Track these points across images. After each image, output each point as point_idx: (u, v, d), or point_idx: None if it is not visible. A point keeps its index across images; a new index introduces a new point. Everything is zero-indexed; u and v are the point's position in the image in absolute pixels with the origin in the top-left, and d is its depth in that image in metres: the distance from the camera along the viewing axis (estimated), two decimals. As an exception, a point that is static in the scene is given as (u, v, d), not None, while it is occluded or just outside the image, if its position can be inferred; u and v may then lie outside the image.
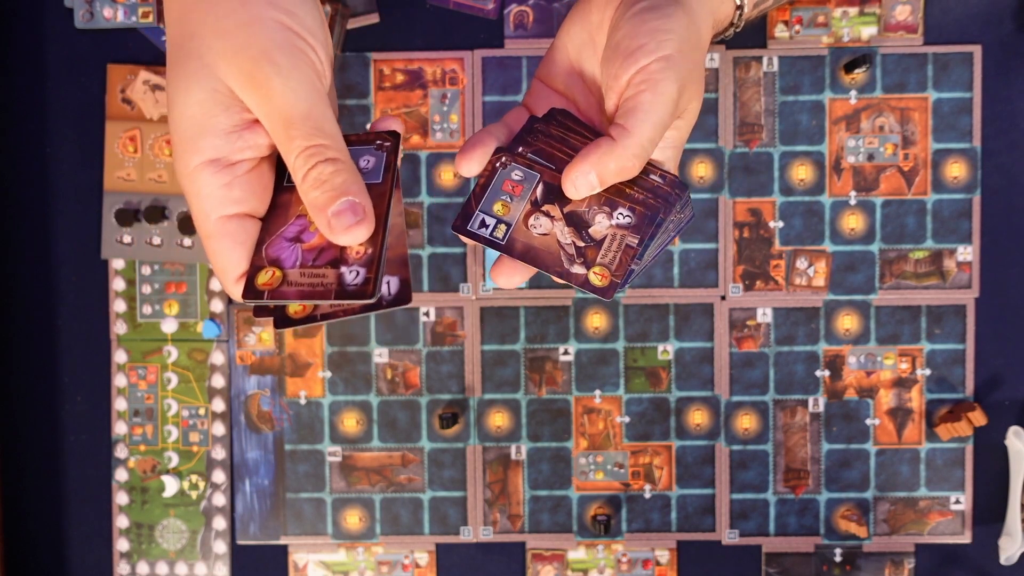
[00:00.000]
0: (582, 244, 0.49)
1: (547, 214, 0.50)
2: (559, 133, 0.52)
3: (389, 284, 0.45)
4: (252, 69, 0.43)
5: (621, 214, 0.50)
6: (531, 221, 0.50)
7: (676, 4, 0.51)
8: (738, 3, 0.56)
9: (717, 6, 0.55)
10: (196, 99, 0.44)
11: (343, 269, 0.43)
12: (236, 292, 0.46)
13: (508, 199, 0.50)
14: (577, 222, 0.50)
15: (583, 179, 0.49)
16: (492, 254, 0.75)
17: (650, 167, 0.52)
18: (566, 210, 0.50)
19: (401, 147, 0.48)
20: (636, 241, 0.49)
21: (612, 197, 0.50)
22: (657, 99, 0.49)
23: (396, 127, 0.49)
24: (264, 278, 0.44)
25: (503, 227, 0.50)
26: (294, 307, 0.45)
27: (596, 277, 0.49)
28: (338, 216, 0.43)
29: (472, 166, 0.51)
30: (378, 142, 0.46)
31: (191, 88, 0.44)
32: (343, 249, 0.44)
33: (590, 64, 0.54)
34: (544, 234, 0.49)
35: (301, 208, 0.45)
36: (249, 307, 0.76)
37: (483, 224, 0.50)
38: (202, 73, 0.43)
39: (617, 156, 0.49)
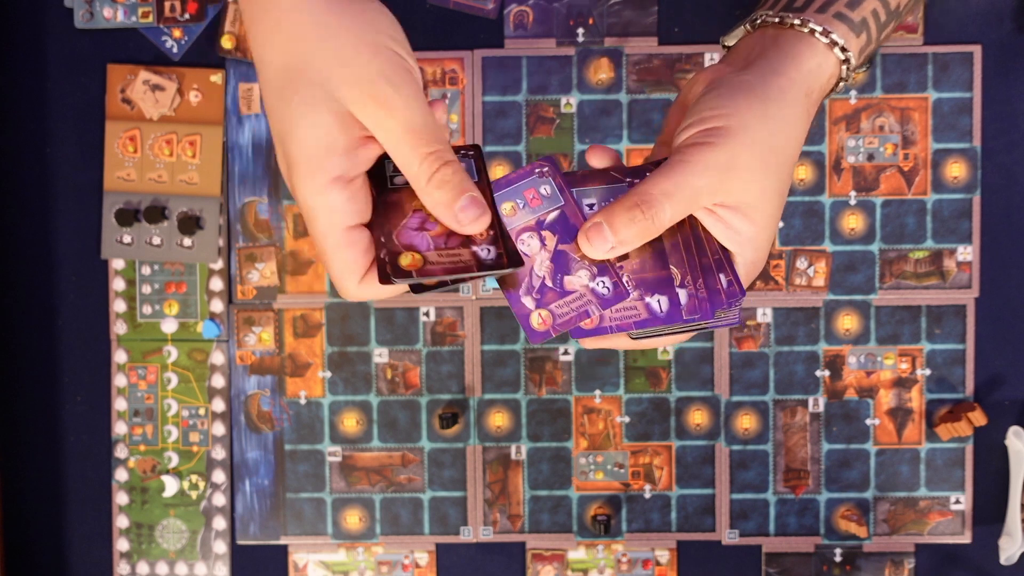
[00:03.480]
0: (549, 285, 0.50)
1: (542, 240, 0.51)
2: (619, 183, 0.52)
3: (490, 251, 0.50)
4: (375, 91, 0.48)
5: (603, 283, 0.50)
6: (524, 236, 0.51)
7: (757, 81, 0.50)
8: (843, 57, 0.52)
9: (810, 73, 0.52)
10: (320, 122, 0.48)
11: (475, 248, 0.49)
12: (358, 292, 0.50)
13: (520, 204, 0.51)
14: (560, 263, 0.50)
15: (596, 231, 0.49)
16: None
17: (725, 264, 0.50)
18: (558, 247, 0.50)
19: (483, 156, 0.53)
20: (597, 311, 0.49)
21: (605, 264, 0.50)
22: (685, 160, 0.49)
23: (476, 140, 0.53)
24: (407, 260, 0.49)
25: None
26: (405, 258, 0.50)
27: (537, 319, 0.50)
28: (464, 210, 0.48)
29: (602, 159, 0.54)
30: (462, 151, 0.52)
31: (313, 113, 0.48)
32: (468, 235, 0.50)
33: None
34: (524, 253, 0.50)
35: (415, 204, 0.50)
36: (247, 308, 0.76)
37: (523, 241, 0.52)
38: (322, 98, 0.48)
39: (623, 203, 0.49)
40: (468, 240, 0.50)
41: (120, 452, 0.77)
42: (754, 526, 0.76)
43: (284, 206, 0.76)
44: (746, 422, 0.76)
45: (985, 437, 0.75)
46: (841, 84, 0.55)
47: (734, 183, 0.49)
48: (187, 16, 0.75)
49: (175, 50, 0.75)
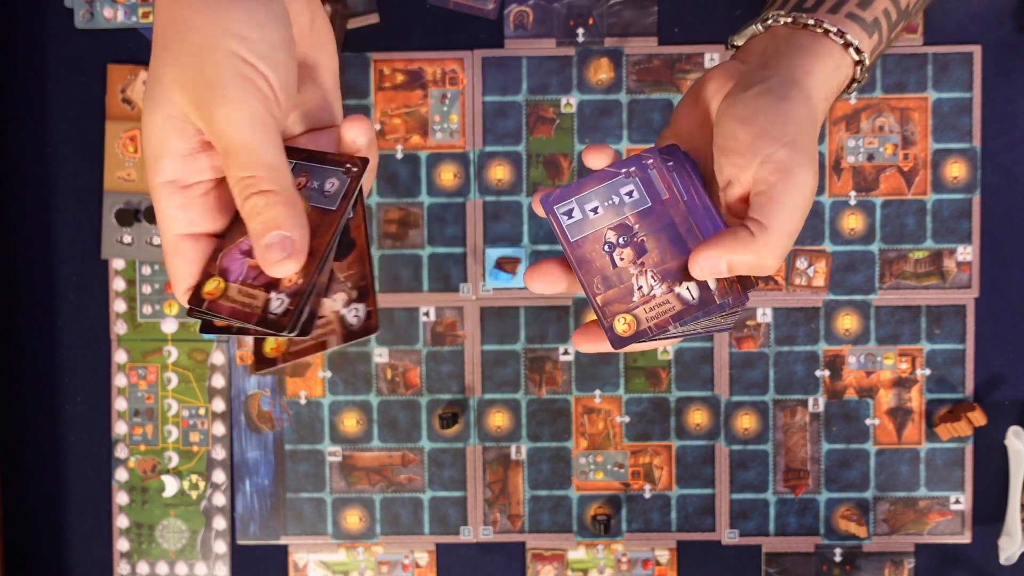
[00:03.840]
0: (648, 292, 0.47)
1: (640, 245, 0.48)
2: (685, 180, 0.50)
3: (358, 312, 0.45)
4: (198, 98, 0.44)
5: (690, 288, 0.47)
6: (614, 239, 0.48)
7: (791, 84, 0.49)
8: (857, 59, 0.52)
9: (830, 75, 0.51)
10: (155, 122, 0.45)
11: (272, 295, 0.44)
12: (183, 301, 0.48)
13: (607, 205, 0.49)
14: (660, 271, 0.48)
15: (711, 264, 0.47)
16: (492, 257, 0.75)
17: None
18: (645, 248, 0.48)
19: (369, 174, 0.48)
20: (681, 313, 0.47)
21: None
22: (793, 188, 0.47)
23: (363, 141, 0.48)
24: (210, 287, 0.45)
25: (581, 227, 0.49)
26: (269, 343, 0.47)
27: (622, 324, 0.47)
28: (268, 249, 0.44)
29: (599, 159, 0.51)
30: (347, 166, 0.47)
31: (152, 111, 0.46)
32: None
33: (703, 133, 0.52)
34: (619, 258, 0.48)
35: None
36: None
37: (570, 214, 0.49)
38: (159, 97, 0.45)
39: (756, 251, 0.47)
40: (273, 283, 0.45)
41: (120, 452, 0.77)
42: (754, 526, 0.76)
43: (284, 206, 0.76)
44: (746, 422, 0.76)
45: (985, 437, 0.75)
46: (854, 85, 0.54)
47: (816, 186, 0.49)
48: (187, 16, 0.75)
49: (175, 50, 0.75)
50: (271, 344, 0.45)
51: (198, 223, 0.47)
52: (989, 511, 0.76)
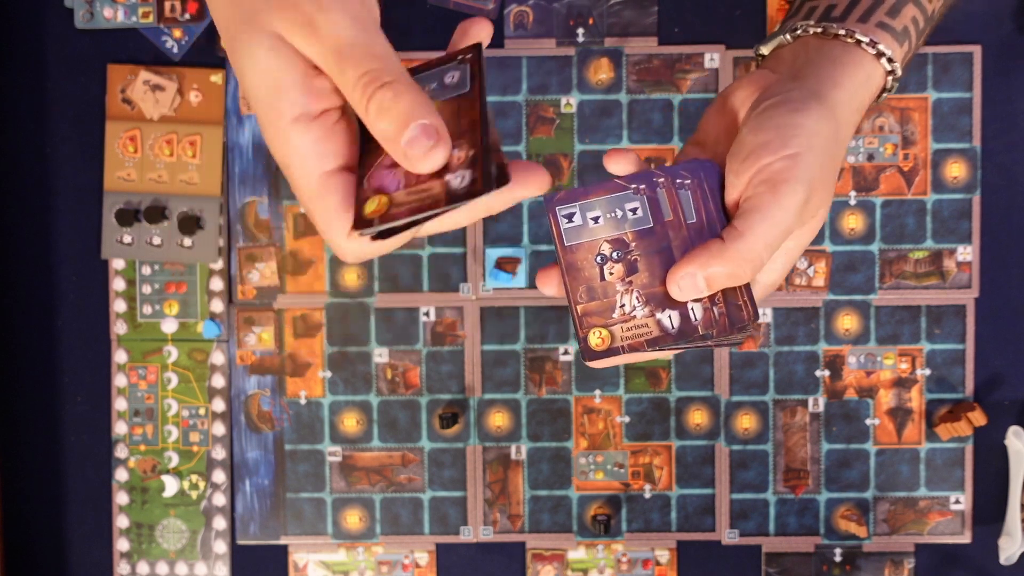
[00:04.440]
0: (630, 311, 0.47)
1: (632, 263, 0.47)
2: (699, 200, 0.49)
3: (463, 176, 0.42)
4: (295, 12, 0.42)
5: (671, 317, 0.47)
6: (608, 252, 0.47)
7: (812, 96, 0.48)
8: (889, 68, 0.51)
9: (861, 86, 0.50)
10: (259, 59, 0.43)
11: (447, 177, 0.42)
12: (350, 248, 0.45)
13: (609, 217, 0.48)
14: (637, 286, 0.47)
15: (689, 281, 0.46)
16: (492, 257, 0.75)
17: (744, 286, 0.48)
18: (636, 266, 0.47)
19: (483, 54, 0.46)
20: (657, 340, 0.46)
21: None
22: (778, 202, 0.46)
23: (480, 35, 0.46)
24: (372, 207, 0.42)
25: (578, 233, 0.48)
26: (370, 204, 0.44)
27: (596, 337, 0.47)
28: (411, 144, 0.41)
29: (621, 165, 0.50)
30: (459, 58, 0.45)
31: (252, 54, 0.43)
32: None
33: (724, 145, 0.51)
34: (608, 272, 0.47)
35: None
36: (247, 308, 0.76)
37: (570, 217, 0.48)
38: (257, 35, 0.43)
39: (727, 260, 0.45)
40: (443, 169, 0.42)
41: (120, 452, 0.77)
42: (754, 526, 0.76)
43: (284, 206, 0.76)
44: (746, 422, 0.76)
45: (985, 437, 0.75)
46: (884, 95, 0.53)
47: (807, 211, 0.48)
48: (187, 16, 0.75)
49: (175, 50, 0.75)
50: (371, 205, 0.42)
51: (340, 154, 0.44)
52: (989, 511, 0.76)
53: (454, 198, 0.41)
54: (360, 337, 0.76)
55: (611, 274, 0.48)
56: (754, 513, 0.76)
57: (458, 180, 0.41)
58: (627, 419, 0.76)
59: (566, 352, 0.76)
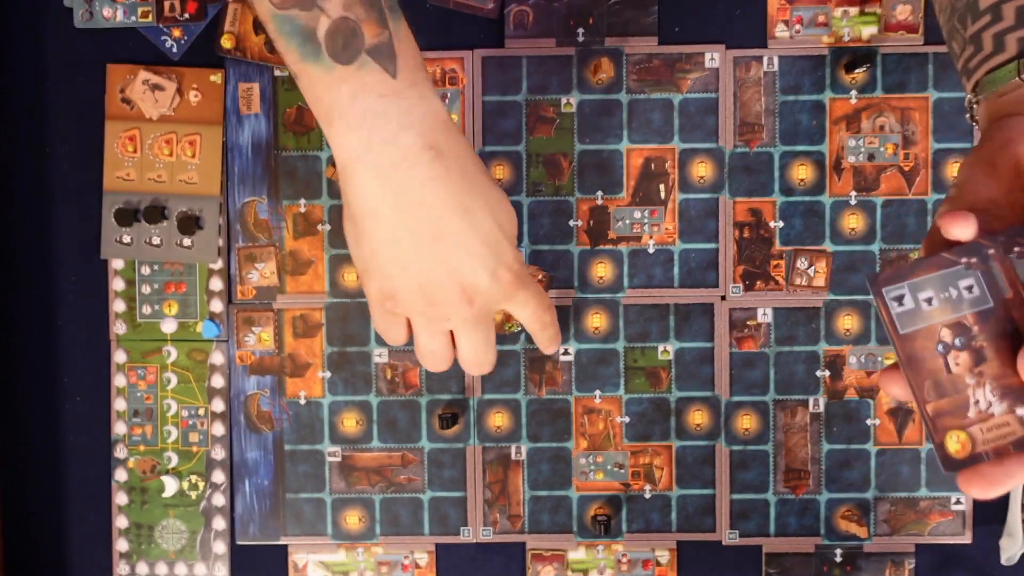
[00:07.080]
0: (986, 408, 0.42)
1: (979, 351, 0.42)
2: None
3: None
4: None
5: None
6: (950, 339, 0.42)
7: None
8: None
9: None
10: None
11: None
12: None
13: (943, 297, 0.43)
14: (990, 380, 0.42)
15: None
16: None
17: None
18: (986, 357, 0.42)
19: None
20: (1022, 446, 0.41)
21: None
22: None
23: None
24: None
25: (912, 319, 0.43)
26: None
27: (955, 442, 0.42)
28: None
29: (964, 230, 0.44)
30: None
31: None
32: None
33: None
34: (954, 363, 0.42)
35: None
36: (247, 308, 0.76)
37: (900, 300, 0.43)
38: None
39: None
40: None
41: (120, 452, 0.77)
42: (754, 526, 0.76)
43: (284, 206, 0.76)
44: (746, 422, 0.76)
45: (986, 437, 0.75)
46: None
47: None
48: (187, 16, 0.75)
49: (175, 50, 0.75)
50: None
51: None
52: (990, 512, 0.76)
53: None
54: (360, 337, 0.76)
55: (957, 365, 0.42)
56: (754, 513, 0.76)
57: None
58: (627, 419, 0.76)
59: (566, 352, 0.76)
